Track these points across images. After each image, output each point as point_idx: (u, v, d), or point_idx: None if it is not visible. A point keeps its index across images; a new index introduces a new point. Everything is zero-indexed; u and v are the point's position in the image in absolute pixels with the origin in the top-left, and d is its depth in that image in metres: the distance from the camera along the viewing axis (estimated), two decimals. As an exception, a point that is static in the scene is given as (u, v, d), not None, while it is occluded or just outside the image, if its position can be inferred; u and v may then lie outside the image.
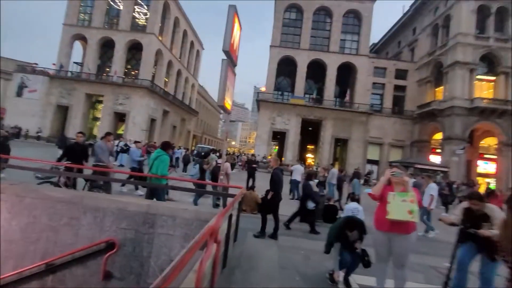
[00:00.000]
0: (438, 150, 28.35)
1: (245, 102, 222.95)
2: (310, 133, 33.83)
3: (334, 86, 32.50)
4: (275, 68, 32.53)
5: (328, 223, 6.25)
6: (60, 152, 15.84)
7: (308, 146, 39.23)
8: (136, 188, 7.27)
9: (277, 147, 44.97)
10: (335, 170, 10.52)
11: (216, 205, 5.69)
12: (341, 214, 6.51)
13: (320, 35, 33.45)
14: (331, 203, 6.74)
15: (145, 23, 33.48)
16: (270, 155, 34.52)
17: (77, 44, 34.84)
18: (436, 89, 29.35)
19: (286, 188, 9.89)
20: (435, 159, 27.68)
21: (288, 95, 33.57)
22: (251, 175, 12.22)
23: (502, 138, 24.90)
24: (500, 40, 25.29)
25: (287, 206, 8.70)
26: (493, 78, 26.16)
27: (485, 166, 27.68)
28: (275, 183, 5.07)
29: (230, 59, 4.44)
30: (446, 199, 10.03)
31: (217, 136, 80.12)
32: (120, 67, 32.48)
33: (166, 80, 38.82)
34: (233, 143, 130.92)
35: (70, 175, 4.47)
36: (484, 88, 26.33)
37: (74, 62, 34.42)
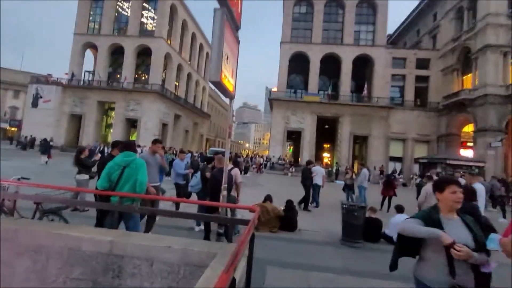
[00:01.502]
0: (470, 144, 25.96)
1: (258, 104, 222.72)
2: (326, 131, 32.19)
3: (350, 80, 30.75)
4: (286, 65, 31.22)
5: (371, 242, 4.93)
6: (45, 158, 15.28)
7: (324, 145, 37.52)
8: (198, 224, 5.20)
9: (291, 147, 43.54)
10: (366, 170, 9.10)
11: (218, 235, 3.75)
12: (386, 231, 5.19)
13: (333, 27, 31.83)
14: (373, 215, 5.36)
15: (153, 28, 33.20)
16: (286, 155, 33.23)
17: (88, 53, 35.08)
18: (464, 77, 26.96)
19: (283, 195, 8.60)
20: (467, 153, 25.33)
21: (301, 93, 32.13)
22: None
23: (544, 127, 22.32)
24: (537, 19, 22.72)
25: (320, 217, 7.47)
26: (530, 61, 23.54)
27: (524, 159, 25.01)
28: (212, 188, 4.28)
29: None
30: (502, 201, 8.35)
31: (230, 139, 79.51)
32: (130, 73, 32.31)
33: (177, 84, 38.45)
34: (247, 145, 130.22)
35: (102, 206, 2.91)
36: (520, 73, 23.75)
37: (86, 71, 34.66)
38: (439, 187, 1.90)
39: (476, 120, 23.70)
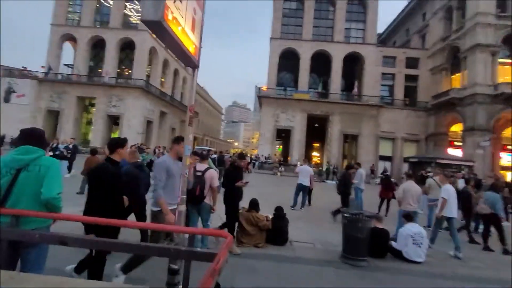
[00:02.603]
0: (458, 143, 26.04)
1: (247, 103, 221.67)
2: (316, 130, 31.67)
3: (341, 78, 30.33)
4: (276, 62, 30.46)
5: (376, 258, 4.14)
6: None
7: (314, 144, 37.08)
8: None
9: (281, 146, 42.92)
10: (362, 170, 8.40)
11: (171, 273, 1.41)
12: (393, 243, 4.44)
13: (323, 24, 31.31)
14: (379, 225, 4.54)
15: (138, 21, 31.64)
16: (275, 154, 32.49)
17: (67, 45, 33.12)
18: (453, 77, 27.01)
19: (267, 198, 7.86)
20: (455, 152, 25.36)
21: (291, 90, 31.47)
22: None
23: (530, 127, 22.54)
24: (524, 19, 22.89)
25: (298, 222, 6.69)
26: (516, 61, 23.74)
27: (508, 159, 25.27)
28: (132, 188, 3.44)
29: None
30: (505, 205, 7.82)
31: (219, 138, 78.33)
32: (113, 67, 30.69)
33: (163, 80, 37.00)
34: (236, 144, 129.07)
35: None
36: (507, 73, 23.91)
37: (65, 64, 32.71)
38: None
39: (465, 119, 23.72)
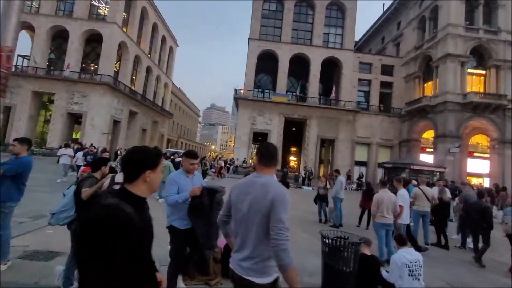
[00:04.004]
0: (429, 149, 26.70)
1: (226, 105, 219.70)
2: (293, 134, 31.17)
3: (319, 82, 30.16)
4: (254, 63, 29.62)
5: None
6: None
7: (291, 148, 36.61)
8: None
9: (258, 150, 41.93)
10: (342, 178, 7.54)
11: None
12: (384, 273, 3.49)
13: (303, 28, 31.07)
14: (367, 251, 3.49)
15: (106, 13, 29.38)
16: (252, 158, 31.48)
17: (25, 35, 29.91)
18: (425, 85, 27.80)
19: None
20: (426, 158, 25.92)
21: (269, 93, 30.75)
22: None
23: (495, 135, 23.54)
24: (489, 32, 24.06)
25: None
26: (483, 72, 24.88)
27: (475, 165, 26.29)
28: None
29: None
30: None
31: (195, 140, 76.02)
32: (76, 61, 28.10)
33: (134, 77, 34.72)
34: (213, 147, 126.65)
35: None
36: (475, 83, 25.00)
37: (19, 55, 29.48)
38: None
39: (436, 126, 24.30)
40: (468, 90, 23.77)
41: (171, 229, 2.88)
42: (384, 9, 35.59)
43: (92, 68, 30.69)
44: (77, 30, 27.85)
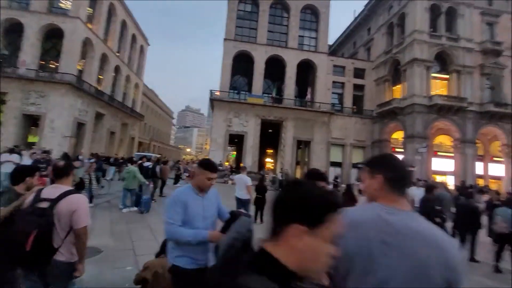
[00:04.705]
0: (398, 149, 27.83)
1: (201, 107, 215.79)
2: (270, 135, 30.98)
3: (294, 84, 30.30)
4: (230, 64, 29.06)
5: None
6: None
7: (267, 150, 36.43)
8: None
9: (235, 153, 41.41)
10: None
11: None
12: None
13: (278, 30, 31.13)
14: None
15: (68, 6, 27.22)
16: (227, 161, 30.81)
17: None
18: (394, 88, 29.01)
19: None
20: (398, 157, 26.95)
21: (245, 94, 30.32)
22: None
23: (457, 135, 25.10)
24: (451, 39, 25.70)
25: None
26: (446, 76, 26.50)
27: (440, 164, 27.87)
28: None
29: None
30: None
31: (169, 144, 73.42)
32: (33, 57, 25.64)
33: (100, 77, 32.53)
34: (188, 150, 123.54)
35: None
36: (439, 86, 26.52)
37: (-35, 50, 26.26)
38: None
39: (406, 127, 25.39)
40: (433, 93, 25.13)
41: (175, 270, 2.05)
42: (355, 15, 36.91)
43: (53, 66, 28.19)
44: (34, 24, 25.46)
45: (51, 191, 1.98)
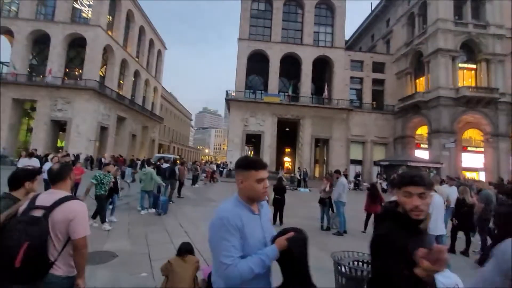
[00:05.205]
0: (423, 145, 26.55)
1: (218, 109, 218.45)
2: (287, 134, 30.63)
3: (311, 82, 29.74)
4: (245, 64, 29.03)
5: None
6: None
7: (285, 149, 36.06)
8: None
9: (252, 152, 41.41)
10: (344, 180, 6.93)
11: None
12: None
13: (292, 27, 30.68)
14: None
15: (90, 16, 28.39)
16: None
17: (4, 40, 28.61)
18: (417, 81, 27.70)
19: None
20: (421, 154, 25.73)
21: (261, 94, 30.18)
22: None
23: (489, 129, 23.50)
24: (478, 26, 24.11)
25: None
26: (473, 66, 24.90)
27: (470, 160, 26.21)
28: None
29: None
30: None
31: (188, 145, 74.84)
32: (59, 66, 27.00)
33: (121, 82, 33.70)
34: (207, 150, 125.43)
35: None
36: (466, 77, 24.98)
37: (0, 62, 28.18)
38: None
39: (430, 121, 24.13)
40: (460, 84, 23.70)
41: None
42: (372, 7, 35.63)
43: (77, 73, 29.58)
44: (59, 34, 26.77)
45: (47, 197, 1.80)
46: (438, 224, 4.32)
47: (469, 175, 25.24)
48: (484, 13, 24.42)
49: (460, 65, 24.55)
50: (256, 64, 30.18)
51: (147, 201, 8.23)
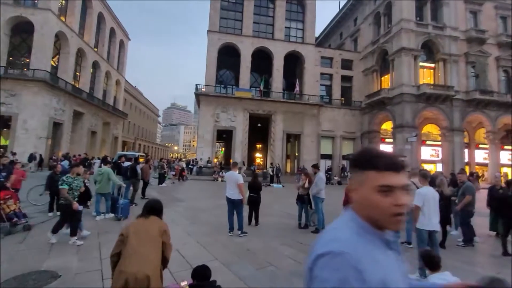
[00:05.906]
0: (388, 140, 27.85)
1: (188, 105, 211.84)
2: (259, 130, 30.27)
3: (282, 77, 29.61)
4: (215, 57, 27.97)
5: None
6: None
7: (257, 145, 35.75)
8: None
9: (223, 149, 40.55)
10: (322, 175, 6.60)
11: None
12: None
13: (264, 21, 30.20)
14: None
15: (38, -3, 25.24)
16: (216, 158, 30.01)
17: None
18: (382, 78, 28.88)
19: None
20: (386, 148, 26.97)
21: (232, 88, 29.38)
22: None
23: (445, 124, 25.27)
24: (437, 28, 25.68)
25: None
26: (432, 65, 26.54)
27: (428, 152, 28.08)
28: None
29: None
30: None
31: (155, 142, 71.39)
32: (2, 53, 23.63)
33: (78, 74, 30.70)
34: (176, 148, 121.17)
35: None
36: (426, 75, 26.55)
37: None
38: None
39: (395, 117, 25.30)
40: (421, 82, 25.12)
41: None
42: (341, 6, 36.48)
43: (23, 62, 26.25)
44: (0, 17, 23.39)
45: None
46: (431, 219, 4.06)
47: (427, 167, 27.11)
48: (442, 15, 26.09)
49: (421, 63, 26.01)
50: (227, 59, 29.27)
51: (103, 205, 7.19)
